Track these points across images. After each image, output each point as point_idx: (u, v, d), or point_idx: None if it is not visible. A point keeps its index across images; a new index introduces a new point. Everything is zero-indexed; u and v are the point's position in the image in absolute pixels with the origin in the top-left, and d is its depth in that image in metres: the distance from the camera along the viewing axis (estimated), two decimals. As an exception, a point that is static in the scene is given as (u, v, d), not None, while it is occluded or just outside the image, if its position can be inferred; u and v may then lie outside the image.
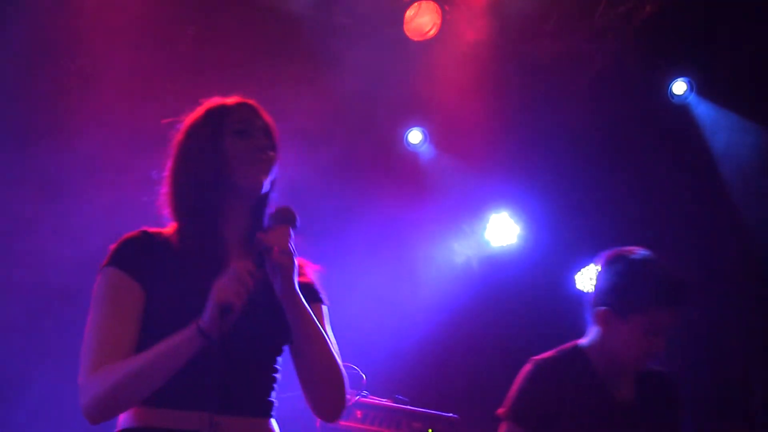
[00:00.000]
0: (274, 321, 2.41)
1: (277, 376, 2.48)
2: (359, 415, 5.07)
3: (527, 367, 3.21)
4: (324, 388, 2.44)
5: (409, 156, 6.98)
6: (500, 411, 3.21)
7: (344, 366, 2.47)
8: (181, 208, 2.48)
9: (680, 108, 6.52)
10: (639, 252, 3.18)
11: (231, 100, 2.58)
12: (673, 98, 6.50)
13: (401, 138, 6.95)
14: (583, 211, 6.80)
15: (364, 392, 5.07)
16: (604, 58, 6.22)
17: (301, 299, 2.38)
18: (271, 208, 2.50)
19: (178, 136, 2.55)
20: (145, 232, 2.47)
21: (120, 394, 2.26)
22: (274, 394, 2.48)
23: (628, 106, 6.47)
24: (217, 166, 2.44)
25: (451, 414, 5.21)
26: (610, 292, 3.14)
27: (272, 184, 2.52)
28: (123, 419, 2.36)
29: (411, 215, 6.73)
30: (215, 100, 2.59)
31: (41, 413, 5.51)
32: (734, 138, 6.37)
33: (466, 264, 6.91)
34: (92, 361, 2.30)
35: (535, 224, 6.93)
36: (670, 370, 3.33)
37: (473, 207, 6.98)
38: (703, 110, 6.48)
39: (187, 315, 2.25)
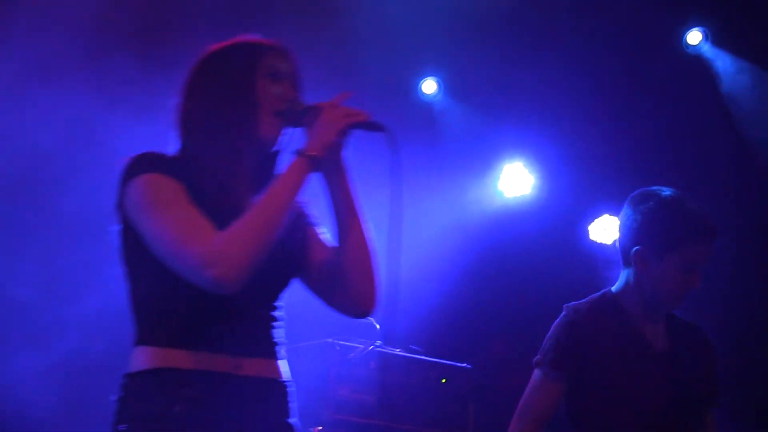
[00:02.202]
0: (285, 255, 2.30)
1: (283, 315, 2.37)
2: (372, 365, 5.10)
3: (561, 315, 3.17)
4: (363, 276, 2.36)
5: (421, 105, 6.94)
6: (536, 359, 3.16)
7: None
8: (200, 142, 2.28)
9: (695, 58, 6.46)
10: (667, 190, 3.12)
11: (266, 40, 2.39)
12: (687, 48, 6.44)
13: (415, 87, 6.91)
14: (598, 162, 6.77)
15: (378, 342, 5.09)
16: (619, 6, 6.15)
17: (346, 171, 2.33)
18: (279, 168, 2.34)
19: (202, 64, 2.36)
20: (157, 153, 2.26)
21: (255, 237, 2.10)
22: (283, 333, 2.36)
23: (643, 55, 6.41)
24: (246, 106, 2.27)
25: (464, 364, 5.24)
26: (646, 231, 3.07)
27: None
28: (146, 359, 2.19)
29: (423, 165, 6.70)
30: (250, 37, 2.38)
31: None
32: (752, 89, 6.32)
33: (479, 215, 6.90)
34: (197, 234, 2.10)
35: (549, 175, 6.91)
36: (699, 323, 3.30)
37: (486, 157, 6.95)
38: (719, 60, 6.42)
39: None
